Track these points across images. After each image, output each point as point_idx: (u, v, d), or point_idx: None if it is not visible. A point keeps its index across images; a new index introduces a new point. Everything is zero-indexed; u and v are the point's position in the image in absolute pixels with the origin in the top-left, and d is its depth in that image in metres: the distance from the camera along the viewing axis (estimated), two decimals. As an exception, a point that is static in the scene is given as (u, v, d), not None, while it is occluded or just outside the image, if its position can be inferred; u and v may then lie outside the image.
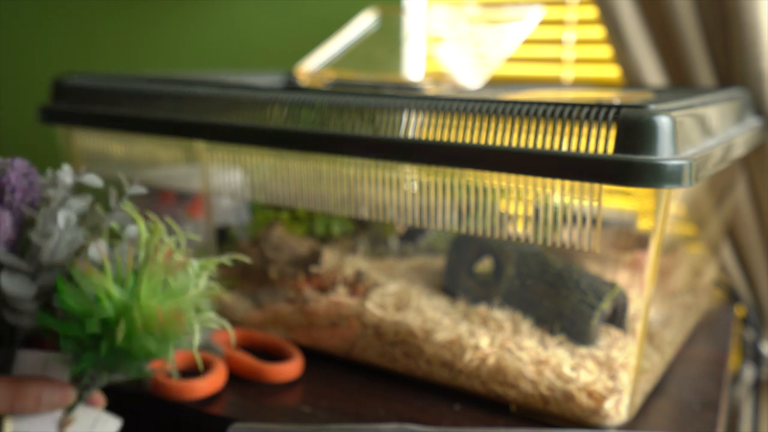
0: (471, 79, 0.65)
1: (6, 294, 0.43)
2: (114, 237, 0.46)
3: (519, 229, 0.49)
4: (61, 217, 0.44)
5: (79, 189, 0.49)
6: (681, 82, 0.77)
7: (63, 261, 0.44)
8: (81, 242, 0.45)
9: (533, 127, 0.46)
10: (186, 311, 0.42)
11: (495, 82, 0.74)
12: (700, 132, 0.49)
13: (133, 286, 0.42)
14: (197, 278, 0.44)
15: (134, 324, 0.41)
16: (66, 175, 0.47)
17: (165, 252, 0.42)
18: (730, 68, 0.72)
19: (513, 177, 0.47)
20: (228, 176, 0.61)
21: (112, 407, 0.49)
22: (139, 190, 0.48)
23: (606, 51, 0.84)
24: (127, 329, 0.41)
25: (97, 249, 0.43)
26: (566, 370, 0.51)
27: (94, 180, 0.48)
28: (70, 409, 0.46)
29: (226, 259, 0.46)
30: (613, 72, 0.89)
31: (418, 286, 0.60)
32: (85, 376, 0.45)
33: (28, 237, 0.44)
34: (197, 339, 0.44)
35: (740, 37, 0.69)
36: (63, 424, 0.45)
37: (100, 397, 0.48)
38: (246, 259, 0.49)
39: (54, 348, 0.46)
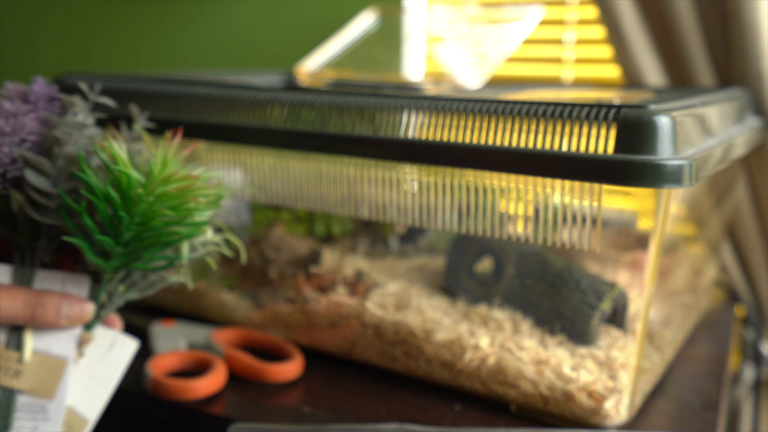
0: (471, 79, 0.65)
1: (32, 186, 0.46)
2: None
3: (519, 229, 0.49)
4: (81, 114, 0.48)
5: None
6: (681, 82, 0.77)
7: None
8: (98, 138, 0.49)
9: (533, 127, 0.46)
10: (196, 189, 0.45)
11: (495, 82, 0.74)
12: (700, 132, 0.49)
13: (149, 172, 0.45)
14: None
15: (151, 196, 0.43)
16: (84, 89, 0.51)
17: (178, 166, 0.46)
18: (730, 68, 0.72)
19: (513, 177, 0.47)
20: (228, 176, 0.61)
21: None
22: (147, 124, 0.53)
23: (606, 51, 0.84)
24: (145, 203, 0.43)
25: (118, 143, 0.46)
26: (566, 370, 0.51)
27: (107, 101, 0.52)
28: (88, 327, 0.46)
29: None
30: (613, 72, 0.89)
31: (418, 286, 0.60)
32: (101, 292, 0.46)
33: (52, 138, 0.48)
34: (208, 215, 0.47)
35: (740, 37, 0.69)
36: (83, 341, 0.46)
37: (117, 319, 0.49)
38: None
39: (72, 269, 0.48)
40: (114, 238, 0.44)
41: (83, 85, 0.52)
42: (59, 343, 0.45)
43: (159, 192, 0.44)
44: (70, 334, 0.45)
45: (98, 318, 0.47)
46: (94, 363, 0.46)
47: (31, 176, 0.46)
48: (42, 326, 0.45)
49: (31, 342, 0.45)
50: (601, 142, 0.43)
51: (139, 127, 0.51)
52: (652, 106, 0.44)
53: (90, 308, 0.46)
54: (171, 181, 0.44)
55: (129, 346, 0.48)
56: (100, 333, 0.47)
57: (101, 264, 0.45)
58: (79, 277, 0.47)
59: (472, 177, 0.49)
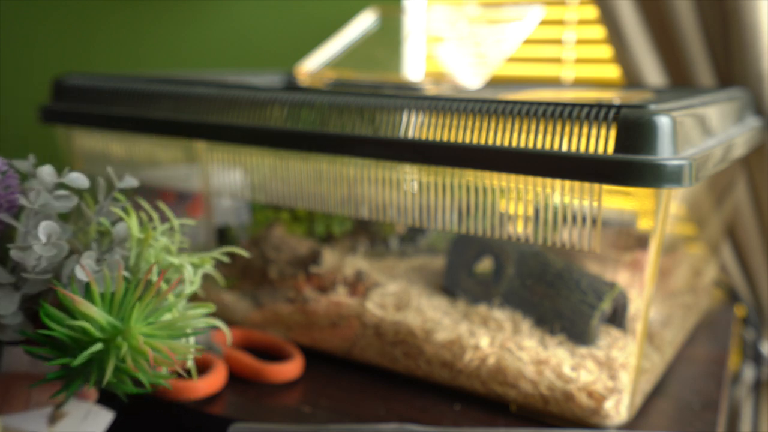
0: (471, 79, 0.65)
1: None
2: (105, 237, 0.44)
3: (519, 229, 0.49)
4: (42, 230, 0.40)
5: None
6: (681, 82, 0.77)
7: (47, 273, 0.41)
8: (65, 253, 0.41)
9: (533, 127, 0.46)
10: (179, 335, 0.41)
11: (495, 82, 0.74)
12: (700, 132, 0.49)
13: (124, 312, 0.39)
14: (191, 284, 0.43)
15: (124, 359, 0.39)
16: (47, 176, 0.42)
17: (158, 269, 0.41)
18: (730, 68, 0.72)
19: (513, 177, 0.47)
20: (228, 176, 0.61)
21: (112, 406, 0.49)
22: (130, 182, 0.45)
23: (606, 51, 0.84)
24: (117, 361, 0.39)
25: (84, 267, 0.40)
26: (566, 370, 0.51)
27: (79, 180, 0.43)
28: (60, 405, 0.45)
29: (219, 254, 0.45)
30: (613, 72, 0.89)
31: (418, 286, 0.60)
32: None
33: (7, 247, 0.41)
34: (191, 360, 0.43)
35: (740, 37, 0.69)
36: (54, 418, 0.45)
37: (91, 391, 0.47)
38: (244, 252, 0.48)
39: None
40: (81, 379, 0.40)
41: (48, 170, 0.43)
42: (31, 422, 0.44)
43: (133, 351, 0.39)
44: (42, 413, 0.44)
45: (69, 396, 0.44)
46: None
47: None
48: (12, 412, 0.43)
49: (1, 422, 0.43)
50: (601, 142, 0.43)
51: (121, 197, 0.44)
52: (652, 106, 0.44)
53: (62, 395, 0.43)
54: (146, 351, 0.38)
55: (103, 418, 0.47)
56: (73, 407, 0.46)
57: (61, 376, 0.40)
58: None
59: (472, 177, 0.49)
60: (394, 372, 0.58)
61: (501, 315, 0.55)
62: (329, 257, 0.64)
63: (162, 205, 0.45)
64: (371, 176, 0.53)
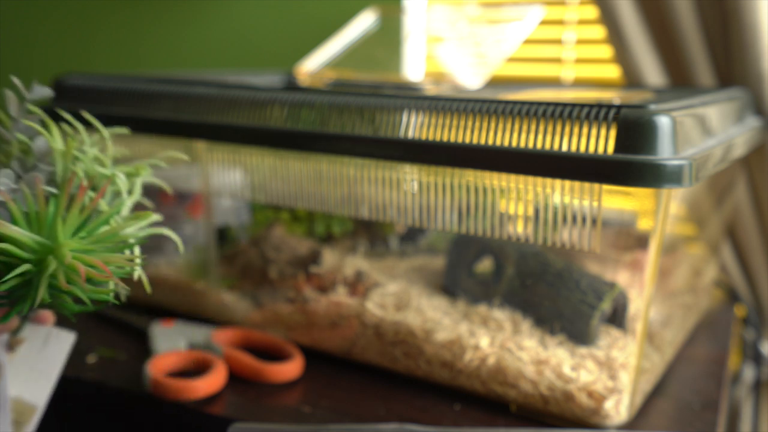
0: (471, 79, 0.65)
1: None
2: (28, 155, 0.40)
3: (519, 229, 0.49)
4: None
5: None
6: (681, 82, 0.77)
7: None
8: None
9: (533, 127, 0.46)
10: (121, 248, 0.38)
11: (495, 82, 0.74)
12: (700, 132, 0.49)
13: (51, 229, 0.36)
14: (128, 197, 0.40)
15: (56, 277, 0.36)
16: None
17: (81, 177, 0.37)
18: (730, 68, 0.72)
19: (513, 177, 0.47)
20: (228, 176, 0.61)
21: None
22: (43, 92, 0.42)
23: (606, 51, 0.84)
24: (50, 284, 0.36)
25: (1, 184, 0.37)
26: (566, 370, 0.51)
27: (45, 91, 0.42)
28: (15, 332, 0.44)
29: (157, 161, 0.42)
30: (613, 72, 0.89)
31: (418, 286, 0.60)
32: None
33: None
34: (139, 270, 0.39)
35: (740, 37, 0.69)
36: (12, 344, 0.44)
37: (48, 314, 0.46)
38: (183, 156, 0.44)
39: None
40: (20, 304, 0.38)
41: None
42: None
43: (66, 270, 0.36)
44: None
45: (25, 320, 0.44)
46: (32, 358, 0.45)
47: None
48: None
49: None
50: (601, 142, 0.44)
51: (35, 109, 0.41)
52: (652, 106, 0.44)
53: (14, 319, 0.43)
54: (78, 268, 0.36)
55: (66, 338, 0.46)
56: (31, 332, 0.45)
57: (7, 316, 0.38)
58: None
59: (472, 177, 0.49)
60: (394, 372, 0.58)
61: (501, 315, 0.55)
62: (329, 257, 0.64)
63: (86, 114, 0.42)
64: (371, 176, 0.53)
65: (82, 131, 0.41)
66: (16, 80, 0.42)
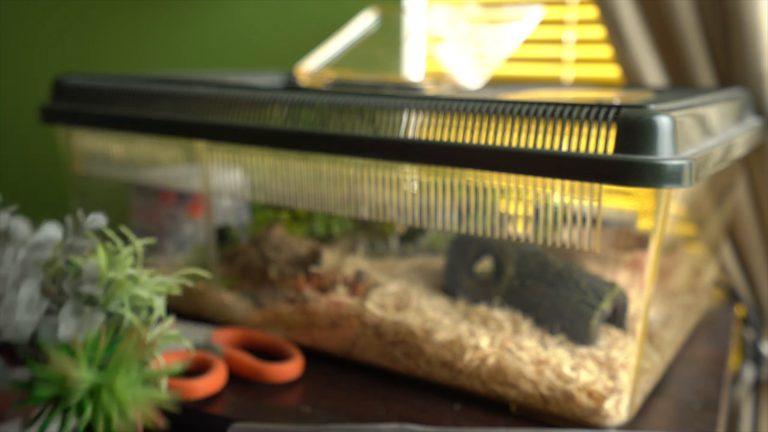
0: (471, 79, 0.65)
1: None
2: (71, 268, 0.44)
3: (519, 229, 0.49)
4: (24, 293, 0.42)
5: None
6: (681, 82, 0.77)
7: (27, 334, 0.42)
8: (45, 309, 0.42)
9: (533, 127, 0.46)
10: (157, 388, 0.41)
11: (495, 82, 0.74)
12: (700, 132, 0.49)
13: (109, 373, 0.39)
14: (159, 308, 0.43)
15: (109, 413, 0.39)
16: (22, 228, 0.44)
17: (137, 339, 0.41)
18: (730, 68, 0.72)
19: (513, 177, 0.47)
20: (228, 176, 0.61)
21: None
22: (98, 221, 0.45)
23: (606, 51, 0.84)
24: (102, 415, 0.39)
25: (66, 327, 0.40)
26: (566, 370, 0.51)
27: (54, 232, 0.45)
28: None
29: (180, 277, 0.46)
30: (613, 72, 0.89)
31: (418, 286, 0.60)
32: None
33: None
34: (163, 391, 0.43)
35: (740, 37, 0.69)
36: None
37: None
38: (206, 274, 0.48)
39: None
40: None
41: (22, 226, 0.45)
42: None
43: (119, 405, 0.39)
44: None
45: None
46: None
47: None
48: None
49: None
50: (601, 142, 0.44)
51: (90, 233, 0.45)
52: (652, 106, 0.44)
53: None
54: (129, 404, 0.39)
55: None
56: None
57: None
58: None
59: (472, 177, 0.49)
60: (394, 372, 0.58)
61: (501, 315, 0.55)
62: (329, 257, 0.64)
63: (125, 230, 0.46)
64: (371, 176, 0.53)
65: (119, 245, 0.44)
66: (80, 212, 0.45)
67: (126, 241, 0.46)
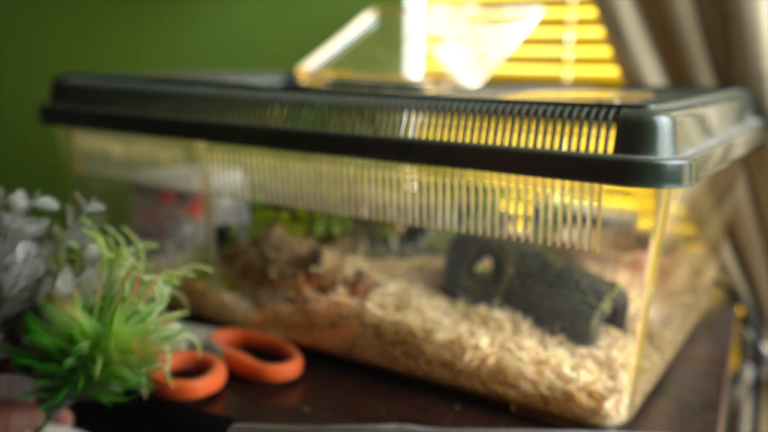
0: (471, 79, 0.65)
1: None
2: (74, 256, 0.45)
3: (519, 229, 0.49)
4: (20, 249, 0.44)
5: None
6: (681, 82, 0.77)
7: (25, 292, 0.43)
8: (42, 271, 0.44)
9: (533, 127, 0.46)
10: (157, 334, 0.42)
11: (495, 82, 0.74)
12: (700, 132, 0.49)
13: (106, 317, 0.41)
14: (163, 295, 0.44)
15: (111, 357, 0.40)
16: (20, 200, 0.46)
17: (133, 278, 0.42)
18: (730, 68, 0.72)
19: (513, 177, 0.47)
20: (228, 176, 0.61)
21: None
22: (96, 207, 0.48)
23: (606, 51, 0.84)
24: (104, 362, 0.40)
25: (65, 280, 0.42)
26: (566, 370, 0.51)
27: (50, 203, 0.47)
28: (38, 430, 0.45)
29: (188, 270, 0.47)
30: (613, 72, 0.89)
31: (418, 286, 0.60)
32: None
33: None
34: (169, 360, 0.44)
35: (740, 37, 0.69)
36: None
37: (67, 414, 0.48)
38: (208, 268, 0.49)
39: (17, 369, 0.45)
40: (69, 385, 0.42)
41: (20, 195, 0.47)
42: None
43: (119, 349, 0.41)
44: None
45: (49, 419, 0.45)
46: None
47: None
48: None
49: None
50: (601, 142, 0.44)
51: (88, 222, 0.46)
52: (652, 106, 0.44)
53: (39, 416, 0.44)
54: (130, 345, 0.41)
55: None
56: (52, 431, 0.46)
57: (48, 385, 0.42)
58: (24, 378, 0.45)
59: (472, 177, 0.49)
60: (394, 372, 0.58)
61: (501, 315, 0.55)
62: (329, 257, 0.64)
63: (126, 230, 0.47)
64: (371, 176, 0.53)
65: (122, 243, 0.45)
66: (77, 195, 0.48)
67: (129, 241, 0.47)
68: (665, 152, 0.42)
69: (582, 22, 0.98)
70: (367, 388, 0.57)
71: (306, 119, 0.54)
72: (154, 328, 0.42)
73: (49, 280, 0.43)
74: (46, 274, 0.44)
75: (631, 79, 0.78)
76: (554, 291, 0.54)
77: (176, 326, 0.44)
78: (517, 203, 0.48)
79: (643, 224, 0.47)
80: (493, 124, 0.47)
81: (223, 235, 0.69)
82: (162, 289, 0.44)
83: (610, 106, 0.44)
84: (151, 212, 0.72)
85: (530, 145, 0.45)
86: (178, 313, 0.45)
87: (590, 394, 0.50)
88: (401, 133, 0.50)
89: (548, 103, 0.46)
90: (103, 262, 0.43)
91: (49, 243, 0.47)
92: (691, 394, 0.57)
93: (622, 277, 0.54)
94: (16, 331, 0.45)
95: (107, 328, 0.40)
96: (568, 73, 1.00)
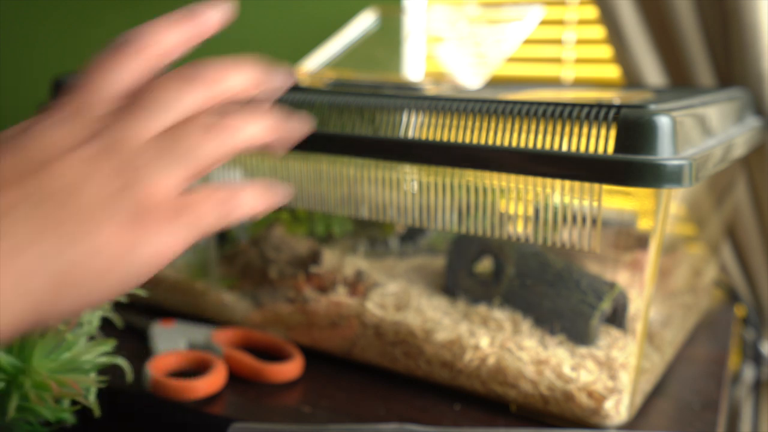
0: (471, 79, 0.65)
1: None
2: None
3: (519, 229, 0.49)
4: None
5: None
6: (681, 82, 0.77)
7: None
8: None
9: (533, 127, 0.46)
10: (84, 364, 0.42)
11: (495, 82, 0.74)
12: (700, 132, 0.49)
13: (24, 352, 0.40)
14: (91, 321, 0.44)
15: (27, 395, 0.40)
16: None
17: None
18: (730, 68, 0.72)
19: (513, 177, 0.47)
20: (228, 176, 0.61)
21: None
22: None
23: (606, 51, 0.84)
24: (20, 400, 0.40)
25: None
26: (566, 370, 0.51)
27: None
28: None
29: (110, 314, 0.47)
30: (613, 72, 0.89)
31: (418, 286, 0.60)
32: None
33: None
34: (93, 394, 0.44)
35: (740, 37, 0.69)
36: None
37: None
38: (141, 292, 0.48)
39: None
40: None
41: None
42: None
43: (37, 387, 0.40)
44: None
45: None
46: None
47: None
48: None
49: None
50: (601, 142, 0.43)
51: None
52: (652, 106, 0.44)
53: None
54: (48, 384, 0.40)
55: None
56: None
57: None
58: None
59: (472, 177, 0.49)
60: (394, 372, 0.58)
61: (501, 315, 0.55)
62: (329, 257, 0.64)
63: None
64: (371, 176, 0.53)
65: None
66: None
67: None
68: (665, 152, 0.42)
69: (582, 22, 0.98)
70: (367, 388, 0.57)
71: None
72: (79, 357, 0.42)
73: None
74: None
75: (631, 79, 0.78)
76: (554, 291, 0.54)
77: (104, 353, 0.44)
78: (517, 203, 0.48)
79: (643, 224, 0.47)
80: (493, 124, 0.47)
81: (223, 235, 0.69)
82: (90, 315, 0.44)
83: (610, 106, 0.44)
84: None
85: (530, 145, 0.45)
86: (104, 347, 0.45)
87: (590, 394, 0.50)
88: (401, 133, 0.50)
89: (548, 103, 0.46)
90: None
91: None
92: (691, 394, 0.57)
93: (622, 277, 0.54)
94: None
95: (26, 363, 0.40)
96: (568, 73, 1.00)
